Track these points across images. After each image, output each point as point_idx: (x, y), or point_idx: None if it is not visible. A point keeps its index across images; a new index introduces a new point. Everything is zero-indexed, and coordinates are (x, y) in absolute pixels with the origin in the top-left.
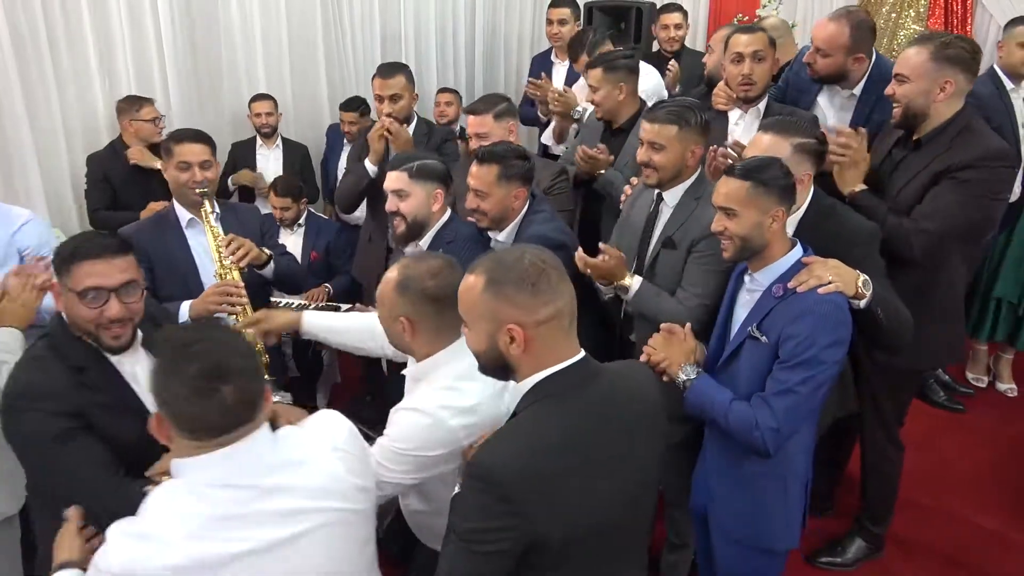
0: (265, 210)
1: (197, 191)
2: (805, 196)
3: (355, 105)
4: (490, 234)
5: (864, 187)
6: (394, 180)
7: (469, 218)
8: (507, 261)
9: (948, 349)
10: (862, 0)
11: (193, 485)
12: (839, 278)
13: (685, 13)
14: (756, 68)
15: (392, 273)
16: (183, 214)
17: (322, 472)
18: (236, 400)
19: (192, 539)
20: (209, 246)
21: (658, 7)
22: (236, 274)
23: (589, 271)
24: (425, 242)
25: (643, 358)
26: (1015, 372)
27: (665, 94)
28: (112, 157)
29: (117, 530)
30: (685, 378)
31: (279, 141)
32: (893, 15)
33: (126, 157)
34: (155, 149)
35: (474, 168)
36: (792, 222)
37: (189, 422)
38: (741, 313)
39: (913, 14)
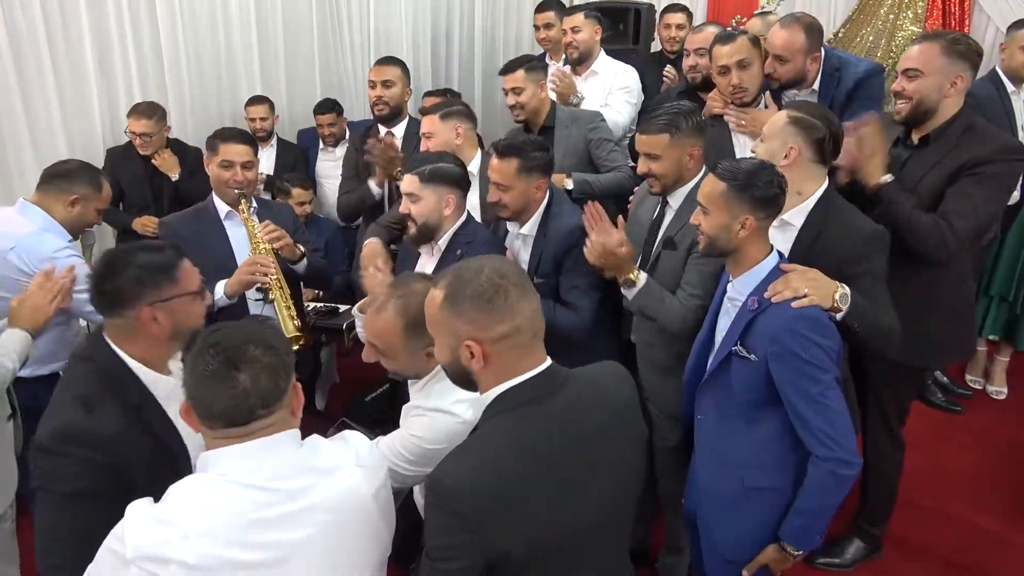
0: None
1: (236, 191)
2: (818, 186)
3: (329, 107)
4: (510, 227)
5: (891, 177)
6: (407, 183)
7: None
8: (465, 276)
9: (957, 347)
10: (860, 2)
11: (216, 479)
12: (815, 291)
13: (689, 14)
14: (744, 76)
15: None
16: (222, 207)
17: (344, 485)
18: (249, 390)
19: (208, 537)
20: (248, 234)
21: (662, 7)
22: (271, 254)
23: (600, 262)
24: (443, 243)
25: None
26: (1011, 375)
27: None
28: (124, 156)
29: (138, 510)
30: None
31: (274, 142)
32: (891, 16)
33: (138, 159)
34: (182, 155)
35: (495, 162)
36: (803, 210)
37: (203, 407)
38: (724, 323)
39: (911, 15)
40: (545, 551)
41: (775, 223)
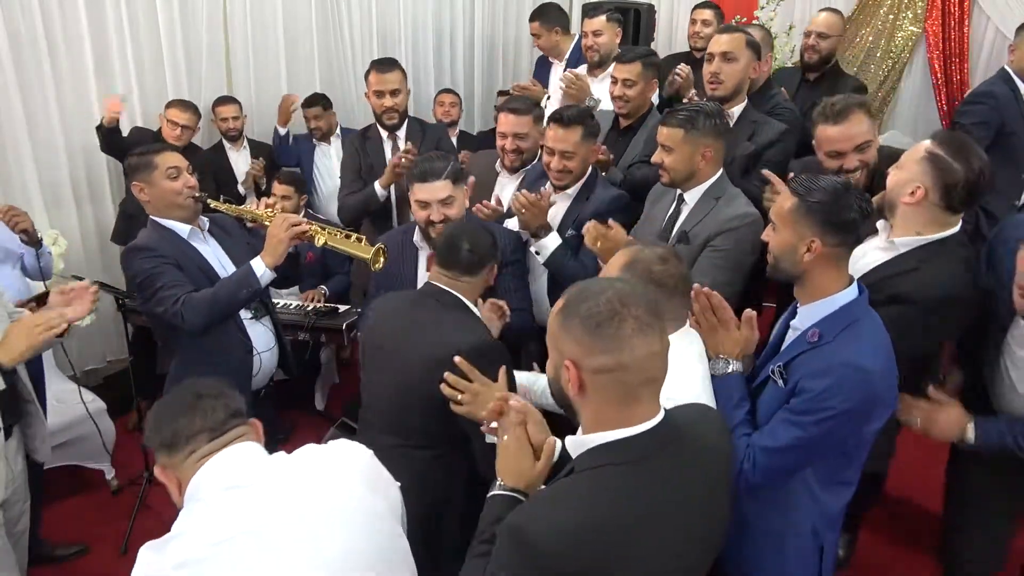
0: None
1: (196, 195)
2: (941, 231)
3: (317, 101)
4: (551, 188)
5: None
6: (440, 189)
7: (554, 179)
8: (588, 292)
9: None
10: (860, 2)
11: (200, 500)
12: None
13: (720, 13)
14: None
15: (620, 255)
16: (180, 228)
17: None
18: (216, 405)
19: (200, 535)
20: (250, 216)
21: (667, 6)
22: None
23: (598, 244)
24: None
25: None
26: None
27: None
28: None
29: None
30: (732, 369)
31: (245, 142)
32: (891, 16)
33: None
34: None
35: (559, 132)
36: (915, 242)
37: (182, 436)
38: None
39: (911, 16)
40: None
41: (883, 243)
